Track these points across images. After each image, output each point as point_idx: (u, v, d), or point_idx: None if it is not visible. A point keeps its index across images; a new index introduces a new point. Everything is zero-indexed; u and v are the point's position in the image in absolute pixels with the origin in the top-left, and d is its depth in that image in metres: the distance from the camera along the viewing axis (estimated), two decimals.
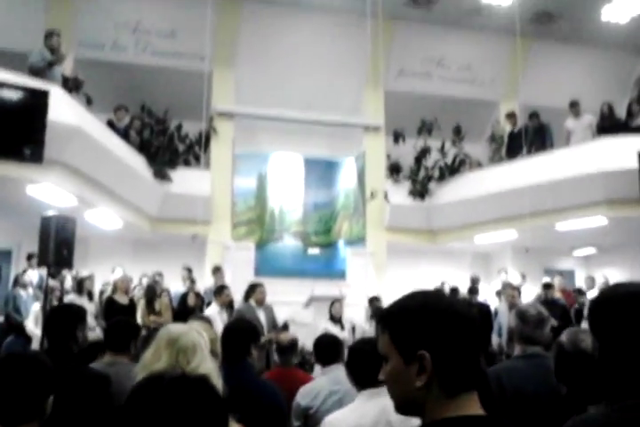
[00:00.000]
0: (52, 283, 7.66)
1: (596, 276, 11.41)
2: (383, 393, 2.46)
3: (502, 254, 13.42)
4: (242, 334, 3.22)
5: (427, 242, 13.14)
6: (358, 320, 8.93)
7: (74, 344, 3.14)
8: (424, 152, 13.05)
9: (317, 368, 4.64)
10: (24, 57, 8.46)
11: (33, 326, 7.75)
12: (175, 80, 12.24)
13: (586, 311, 8.06)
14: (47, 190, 8.11)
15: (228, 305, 8.03)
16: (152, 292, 8.40)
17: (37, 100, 7.30)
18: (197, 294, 9.01)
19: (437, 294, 1.40)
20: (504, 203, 11.05)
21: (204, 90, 10.74)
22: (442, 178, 12.92)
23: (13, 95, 7.22)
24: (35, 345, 7.15)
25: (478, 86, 14.01)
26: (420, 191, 12.72)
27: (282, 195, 13.86)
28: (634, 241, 11.89)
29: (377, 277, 12.21)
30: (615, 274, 11.88)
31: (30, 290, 8.71)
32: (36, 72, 8.20)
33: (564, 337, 2.65)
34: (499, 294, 10.10)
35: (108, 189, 9.64)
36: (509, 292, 8.43)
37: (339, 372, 3.72)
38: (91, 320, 7.01)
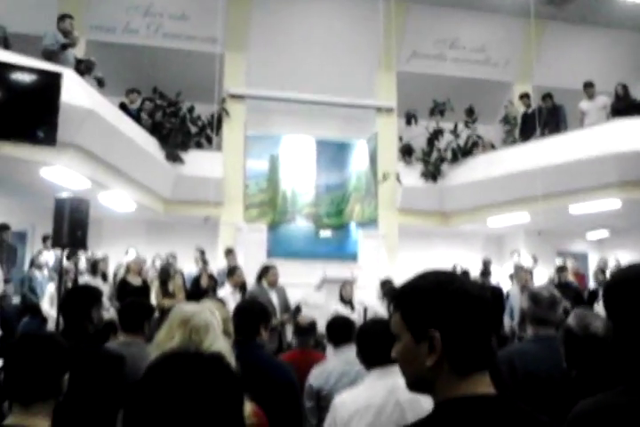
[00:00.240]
0: (67, 264, 7.73)
1: (609, 259, 11.36)
2: (392, 373, 2.50)
3: (515, 237, 13.38)
4: (251, 315, 3.24)
5: (439, 224, 13.13)
6: (370, 302, 8.95)
7: (89, 325, 3.17)
8: (436, 134, 12.99)
9: (329, 349, 4.67)
10: (37, 40, 8.46)
11: (48, 306, 7.83)
12: (187, 62, 12.22)
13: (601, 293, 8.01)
14: (61, 173, 8.17)
15: (241, 286, 8.09)
16: (166, 273, 8.45)
17: (50, 83, 7.30)
18: (210, 276, 9.06)
19: (449, 273, 1.38)
20: (517, 185, 11.00)
21: (215, 72, 10.73)
22: (454, 160, 12.86)
23: (26, 78, 7.23)
24: (50, 326, 7.23)
25: (492, 68, 13.89)
26: (432, 173, 12.67)
27: (294, 177, 13.85)
28: None
29: (389, 259, 12.21)
30: (628, 257, 11.82)
31: (45, 271, 8.80)
32: (50, 55, 8.22)
33: (571, 321, 2.64)
34: (511, 276, 10.09)
35: (121, 172, 9.70)
36: (522, 274, 8.41)
37: (350, 353, 3.73)
38: (105, 301, 7.07)
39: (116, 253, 10.36)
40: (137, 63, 12.18)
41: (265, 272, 7.67)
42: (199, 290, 8.42)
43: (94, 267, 8.36)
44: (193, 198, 11.37)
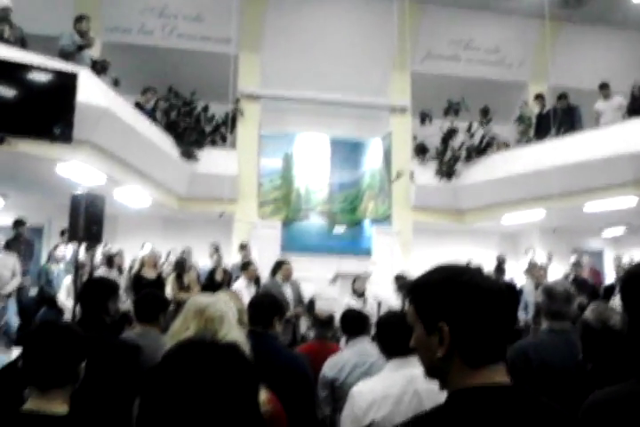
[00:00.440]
0: (83, 258, 7.82)
1: (625, 256, 11.29)
2: (410, 363, 2.52)
3: (530, 235, 13.34)
4: (265, 307, 3.26)
5: (454, 222, 13.11)
6: (384, 296, 8.97)
7: (106, 316, 3.21)
8: (450, 133, 12.96)
9: (342, 341, 4.69)
10: (54, 41, 8.55)
11: (64, 298, 7.93)
12: (201, 63, 12.29)
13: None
14: (76, 169, 8.24)
15: (255, 280, 8.13)
16: (181, 266, 8.51)
17: (66, 82, 7.39)
18: (225, 270, 9.11)
19: (461, 267, 1.38)
20: (532, 183, 10.97)
21: (230, 72, 10.78)
22: (469, 159, 12.83)
23: (43, 77, 7.32)
24: (67, 317, 7.32)
25: (506, 68, 13.87)
26: (446, 172, 12.66)
27: (307, 175, 13.87)
28: None
29: (403, 255, 12.21)
30: None
31: (62, 265, 8.90)
32: (66, 55, 8.31)
33: (589, 315, 2.65)
34: (525, 273, 10.07)
35: (136, 169, 9.77)
36: (536, 271, 8.41)
37: (364, 344, 3.78)
38: (121, 293, 7.15)
39: (131, 249, 10.44)
40: (152, 64, 12.26)
41: (279, 267, 7.71)
42: (214, 284, 8.47)
43: (110, 261, 8.44)
44: (208, 195, 11.44)
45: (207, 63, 12.13)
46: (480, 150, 12.91)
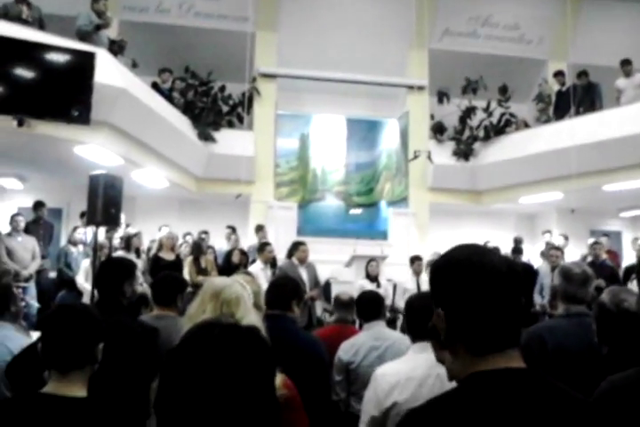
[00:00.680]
0: (102, 240, 7.88)
1: None
2: None
3: (547, 216, 13.26)
4: (284, 290, 3.27)
5: (471, 203, 13.05)
6: (400, 279, 8.98)
7: (122, 298, 3.19)
8: (469, 112, 12.84)
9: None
10: (71, 21, 8.54)
11: (83, 280, 8.00)
12: (218, 42, 12.23)
13: None
14: (95, 151, 8.28)
15: (272, 262, 8.16)
16: (198, 249, 8.55)
17: (84, 63, 7.39)
18: (242, 252, 9.15)
19: (467, 249, 1.32)
20: (550, 163, 10.87)
21: (246, 51, 10.73)
22: (487, 138, 12.72)
23: (61, 58, 7.32)
24: (85, 299, 7.39)
25: (526, 45, 13.67)
26: (464, 151, 12.57)
27: (324, 155, 13.86)
28: None
29: (419, 237, 12.20)
30: None
31: (81, 247, 8.99)
32: (84, 35, 8.30)
33: (605, 297, 2.62)
34: (543, 254, 10.01)
35: (153, 150, 9.80)
36: (553, 252, 8.33)
37: (379, 328, 3.78)
38: (139, 275, 7.20)
39: (149, 230, 10.52)
40: (169, 43, 12.23)
41: (295, 249, 7.70)
42: (231, 266, 8.50)
43: (128, 242, 8.49)
44: (224, 177, 11.47)
45: (224, 42, 12.08)
46: (498, 130, 12.79)
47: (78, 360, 1.94)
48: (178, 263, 8.16)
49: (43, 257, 8.71)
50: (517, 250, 9.90)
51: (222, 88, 12.22)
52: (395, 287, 8.74)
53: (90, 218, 6.24)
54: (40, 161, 9.10)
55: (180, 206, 12.64)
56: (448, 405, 1.23)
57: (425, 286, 8.31)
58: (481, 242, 10.87)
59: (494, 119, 12.83)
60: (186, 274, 7.85)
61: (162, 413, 1.20)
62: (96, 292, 3.53)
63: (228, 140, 11.65)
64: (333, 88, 12.86)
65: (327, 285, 9.50)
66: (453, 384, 1.31)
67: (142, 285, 7.41)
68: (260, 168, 12.10)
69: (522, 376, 1.24)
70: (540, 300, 8.12)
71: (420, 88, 13.13)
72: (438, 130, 12.90)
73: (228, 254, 9.12)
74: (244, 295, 2.50)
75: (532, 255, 11.45)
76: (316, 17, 12.54)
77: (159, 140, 9.79)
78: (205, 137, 11.48)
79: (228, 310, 2.41)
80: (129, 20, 11.81)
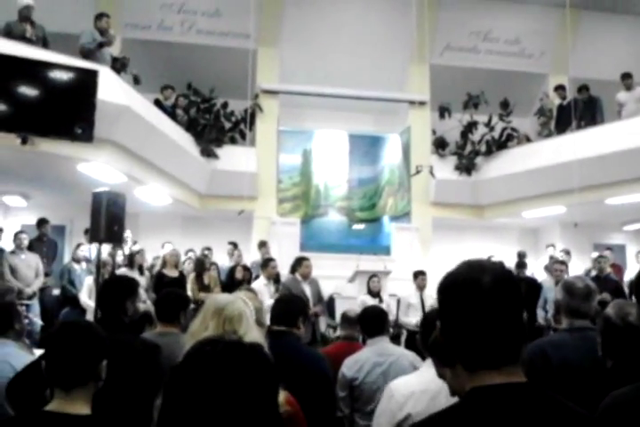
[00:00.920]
0: (105, 258, 7.88)
1: None
2: None
3: (550, 230, 13.25)
4: (291, 307, 3.28)
5: (473, 217, 13.04)
6: (403, 294, 8.96)
7: (124, 315, 3.21)
8: (470, 126, 12.87)
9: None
10: (75, 39, 8.62)
11: (86, 298, 8.01)
12: (220, 59, 12.31)
13: None
14: (98, 168, 8.31)
15: (275, 278, 8.14)
16: (201, 265, 8.54)
17: (87, 81, 7.43)
18: (245, 268, 9.14)
19: (465, 268, 1.31)
20: (553, 177, 10.87)
21: (248, 68, 10.78)
22: (489, 153, 12.75)
23: (64, 76, 7.37)
24: (89, 316, 7.39)
25: (526, 59, 13.74)
26: (466, 166, 12.59)
27: (326, 171, 13.88)
28: None
29: (422, 252, 12.19)
30: None
31: (84, 264, 9.00)
32: (87, 53, 8.38)
33: (610, 310, 2.61)
34: (546, 268, 9.99)
35: (156, 167, 9.83)
36: (557, 266, 8.31)
37: (383, 343, 3.76)
38: (141, 293, 7.19)
39: (153, 247, 10.52)
40: (171, 60, 12.33)
41: (299, 264, 7.68)
42: (234, 282, 8.49)
43: (131, 260, 8.50)
44: (227, 193, 11.48)
45: (226, 59, 12.15)
46: (500, 144, 12.81)
47: (82, 377, 1.94)
48: (181, 280, 8.16)
49: (46, 274, 8.72)
50: (521, 264, 9.88)
51: (225, 105, 12.28)
52: (398, 302, 8.72)
53: (93, 235, 6.26)
54: (43, 179, 9.14)
55: (183, 223, 12.64)
56: (447, 420, 1.23)
57: (429, 302, 8.29)
58: (484, 256, 10.90)
59: (496, 134, 12.86)
60: (189, 291, 7.85)
61: None
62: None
63: (231, 156, 11.68)
64: (335, 104, 12.92)
65: (331, 300, 9.48)
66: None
67: (146, 302, 7.41)
68: (262, 184, 12.12)
69: (520, 391, 1.23)
70: (543, 314, 8.09)
71: (422, 103, 13.18)
72: (440, 145, 12.93)
73: (231, 271, 9.11)
74: (247, 312, 2.51)
75: (536, 269, 11.41)
76: (318, 33, 12.63)
77: (162, 157, 9.82)
78: (208, 153, 11.52)
79: (230, 327, 2.41)
80: (131, 38, 11.91)
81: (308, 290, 7.48)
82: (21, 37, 7.93)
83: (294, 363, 2.93)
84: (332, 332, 8.87)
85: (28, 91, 7.17)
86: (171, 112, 11.09)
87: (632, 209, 11.12)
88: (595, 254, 9.92)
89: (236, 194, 11.14)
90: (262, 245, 10.24)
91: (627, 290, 8.55)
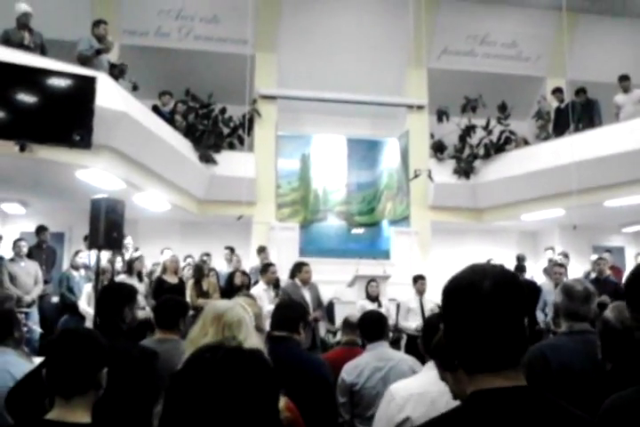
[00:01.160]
0: (105, 264, 7.88)
1: None
2: None
3: (549, 232, 13.25)
4: (292, 313, 3.28)
5: (472, 220, 13.05)
6: (403, 298, 8.95)
7: (122, 322, 3.20)
8: (468, 130, 12.89)
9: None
10: (72, 46, 8.64)
11: (85, 305, 7.99)
12: (218, 64, 12.34)
13: None
14: (96, 175, 8.31)
15: (275, 284, 8.13)
16: (200, 271, 8.53)
17: (85, 87, 7.43)
18: (244, 273, 9.14)
19: (468, 272, 1.32)
20: (551, 180, 10.89)
21: (246, 73, 10.81)
22: (487, 156, 12.76)
23: (62, 83, 7.38)
24: (88, 324, 7.37)
25: (524, 63, 13.78)
26: (464, 170, 12.61)
27: (325, 175, 13.90)
28: None
29: (421, 256, 12.19)
30: None
31: (82, 271, 8.99)
32: (84, 60, 8.38)
33: (609, 313, 2.61)
34: (545, 271, 9.99)
35: (155, 173, 9.84)
36: (556, 269, 8.32)
37: (383, 348, 3.75)
38: (140, 300, 7.19)
39: (152, 253, 10.52)
40: (169, 66, 12.34)
41: (298, 270, 7.66)
42: (233, 287, 8.48)
43: (130, 266, 8.49)
44: (226, 198, 11.49)
45: (224, 65, 12.18)
46: (498, 147, 12.83)
47: (82, 386, 1.94)
48: (181, 286, 8.15)
49: (45, 282, 8.71)
50: (520, 268, 9.89)
51: (223, 110, 12.29)
52: (398, 307, 8.71)
53: (92, 242, 6.25)
54: (42, 186, 9.14)
55: (182, 229, 12.63)
56: (447, 424, 1.24)
57: (428, 306, 8.29)
58: (483, 260, 10.90)
59: (494, 137, 12.87)
60: (188, 297, 7.84)
61: None
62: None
63: (230, 161, 11.69)
64: (333, 108, 12.94)
65: (330, 305, 9.47)
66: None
67: (145, 309, 7.40)
68: (261, 189, 12.12)
69: (520, 395, 1.23)
70: (543, 317, 8.09)
71: (420, 107, 13.20)
72: (438, 148, 12.94)
73: (230, 276, 9.11)
74: (246, 318, 2.50)
75: (535, 272, 11.41)
76: (315, 38, 12.65)
77: (160, 163, 9.83)
78: (207, 159, 11.53)
79: (229, 333, 2.41)
80: (129, 44, 11.93)
81: (307, 295, 7.46)
82: (19, 45, 7.95)
83: (295, 368, 2.92)
84: (331, 337, 8.86)
85: (26, 98, 7.18)
86: (169, 118, 11.10)
87: (631, 211, 11.12)
88: (594, 257, 9.92)
89: (234, 199, 11.15)
90: (261, 250, 10.24)
91: None
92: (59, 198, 10.08)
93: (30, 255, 8.63)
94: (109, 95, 7.98)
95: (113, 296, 3.28)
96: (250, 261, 10.86)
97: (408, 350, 7.28)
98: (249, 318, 2.53)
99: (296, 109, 12.97)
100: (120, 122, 8.20)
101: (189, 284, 8.33)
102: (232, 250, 10.67)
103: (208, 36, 12.55)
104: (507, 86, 13.28)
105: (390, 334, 7.03)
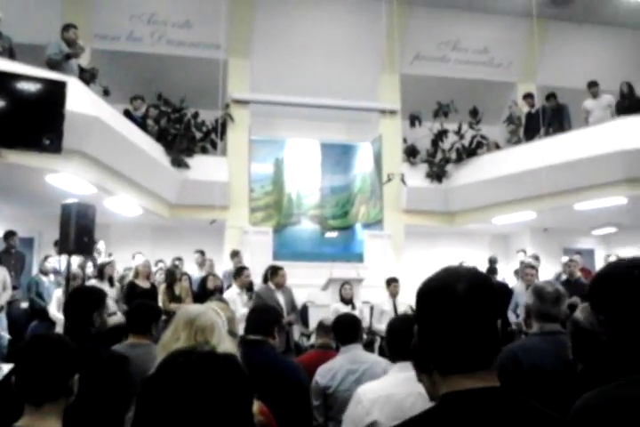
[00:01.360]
0: (75, 270, 7.78)
1: (612, 255, 11.32)
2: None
3: (521, 235, 13.40)
4: (267, 316, 3.27)
5: (445, 224, 13.14)
6: (376, 301, 8.98)
7: (91, 327, 3.15)
8: (440, 135, 13.00)
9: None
10: (42, 50, 8.54)
11: (56, 311, 7.88)
12: (191, 69, 12.30)
13: None
14: (67, 179, 8.23)
15: (248, 287, 8.10)
16: (172, 276, 8.47)
17: (55, 92, 7.35)
18: (215, 276, 9.09)
19: (442, 275, 1.33)
20: (522, 184, 11.01)
21: (219, 78, 10.78)
22: (459, 160, 12.88)
23: (32, 87, 7.28)
24: (58, 329, 7.28)
25: (495, 68, 13.93)
26: (437, 174, 12.70)
27: (299, 180, 13.92)
28: None
29: (395, 259, 12.24)
30: (636, 253, 11.76)
31: (52, 276, 8.87)
32: (53, 64, 8.29)
33: (579, 314, 2.63)
34: (517, 273, 10.09)
35: (126, 177, 9.76)
36: (527, 271, 8.41)
37: (356, 351, 3.74)
38: (112, 305, 7.12)
39: (124, 258, 10.42)
40: (141, 71, 12.27)
41: (274, 274, 7.61)
42: (206, 292, 8.43)
43: (101, 271, 8.40)
44: (199, 203, 11.42)
45: (196, 69, 12.14)
46: (470, 151, 12.95)
47: (53, 392, 1.92)
48: (153, 291, 8.09)
49: (14, 288, 8.56)
50: (492, 270, 9.98)
51: (195, 115, 12.25)
52: (372, 309, 8.73)
53: (62, 247, 6.20)
54: (11, 190, 9.01)
55: (154, 233, 12.53)
56: (419, 426, 1.24)
57: (402, 308, 8.32)
58: (456, 262, 10.98)
59: (466, 141, 13.00)
60: (160, 302, 7.78)
61: None
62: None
63: (202, 166, 11.63)
64: (306, 113, 12.95)
65: (304, 308, 9.47)
66: (433, 404, 1.32)
67: (116, 313, 7.32)
68: (234, 193, 12.08)
69: (493, 395, 1.24)
70: (514, 318, 8.16)
71: (392, 112, 13.27)
72: (411, 153, 13.02)
73: (203, 280, 9.05)
74: (219, 322, 2.49)
75: (507, 274, 11.52)
76: (288, 43, 12.67)
77: (132, 168, 9.75)
78: (179, 163, 11.46)
79: (202, 338, 2.39)
80: (101, 49, 11.84)
81: (281, 299, 7.43)
82: None
83: (269, 372, 2.92)
84: (305, 340, 8.85)
85: None
86: (141, 123, 11.01)
87: (600, 214, 11.29)
88: (565, 259, 10.04)
89: (207, 204, 11.11)
90: (235, 254, 10.19)
91: None
92: (28, 203, 9.95)
93: None
94: (80, 100, 7.92)
95: (82, 300, 3.23)
96: (223, 266, 10.81)
97: (382, 353, 7.30)
98: (222, 323, 2.52)
99: (269, 114, 12.96)
100: (91, 126, 8.13)
101: (161, 288, 8.27)
102: (202, 253, 10.63)
103: (180, 41, 12.50)
104: (478, 92, 13.41)
105: (364, 337, 7.06)
